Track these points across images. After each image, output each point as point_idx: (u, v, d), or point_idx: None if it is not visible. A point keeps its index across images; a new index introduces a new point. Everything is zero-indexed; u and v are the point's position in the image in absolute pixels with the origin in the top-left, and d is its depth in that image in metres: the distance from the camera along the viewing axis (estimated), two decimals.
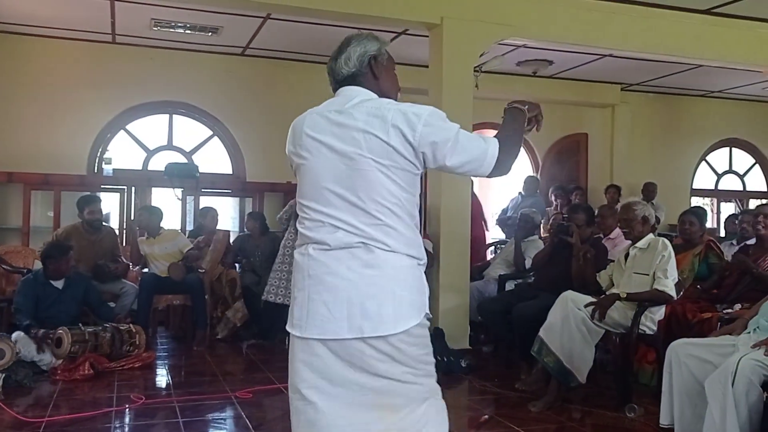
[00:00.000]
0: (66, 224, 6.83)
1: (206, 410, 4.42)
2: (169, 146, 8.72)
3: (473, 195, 6.96)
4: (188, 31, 7.62)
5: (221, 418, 4.37)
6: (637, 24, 6.82)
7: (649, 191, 9.19)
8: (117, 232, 7.45)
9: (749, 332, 3.60)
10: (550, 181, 9.73)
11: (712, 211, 11.35)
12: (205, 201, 8.30)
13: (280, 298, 6.06)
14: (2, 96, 7.83)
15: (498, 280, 6.27)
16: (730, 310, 4.68)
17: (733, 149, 11.48)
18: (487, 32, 6.36)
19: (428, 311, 2.15)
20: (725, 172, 11.54)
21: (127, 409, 4.39)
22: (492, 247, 8.36)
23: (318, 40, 7.77)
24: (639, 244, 4.55)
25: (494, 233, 9.56)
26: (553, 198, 9.17)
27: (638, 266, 4.49)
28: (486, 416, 3.89)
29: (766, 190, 11.53)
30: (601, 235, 5.71)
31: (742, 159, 11.58)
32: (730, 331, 3.76)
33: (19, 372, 4.91)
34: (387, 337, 2.03)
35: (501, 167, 2.12)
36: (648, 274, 4.39)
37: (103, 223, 6.87)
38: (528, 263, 6.21)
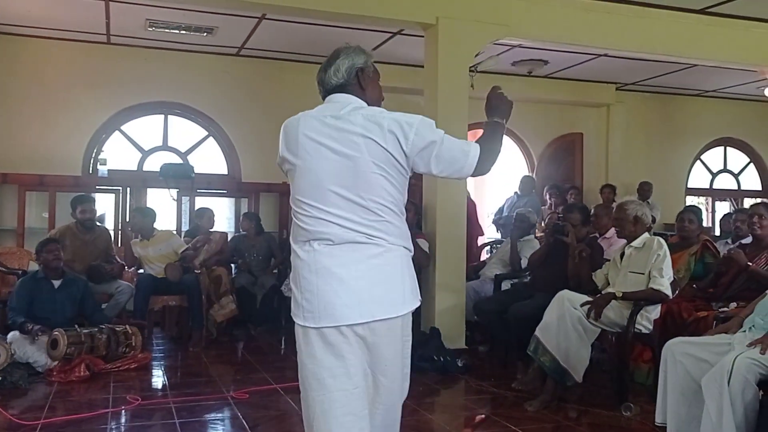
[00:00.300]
0: (61, 225, 6.82)
1: (203, 411, 4.42)
2: (164, 147, 8.70)
3: (468, 196, 6.97)
4: (183, 32, 7.61)
5: (218, 419, 4.36)
6: (632, 24, 6.83)
7: (644, 190, 9.20)
8: (112, 232, 7.44)
9: (745, 331, 3.61)
10: (546, 181, 9.74)
11: (706, 210, 11.39)
12: (200, 201, 8.29)
13: None
14: None
15: (494, 280, 6.28)
16: (725, 309, 4.68)
17: (728, 148, 11.51)
18: (482, 32, 6.36)
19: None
20: (720, 171, 11.57)
21: (124, 411, 4.37)
22: (488, 247, 8.37)
23: (313, 41, 7.77)
24: (634, 243, 4.55)
25: (489, 233, 9.57)
26: (548, 197, 9.18)
27: (634, 265, 4.50)
28: None
29: (760, 189, 11.57)
30: (597, 235, 5.73)
31: (737, 158, 11.62)
32: (726, 329, 3.77)
33: (15, 373, 4.91)
34: (395, 319, 2.27)
35: (481, 168, 2.34)
36: (643, 273, 4.40)
37: (97, 224, 6.87)
38: (524, 263, 6.22)
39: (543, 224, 7.68)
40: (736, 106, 11.00)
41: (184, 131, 8.79)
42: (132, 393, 4.70)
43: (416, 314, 6.51)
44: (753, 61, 7.51)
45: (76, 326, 5.45)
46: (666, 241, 4.66)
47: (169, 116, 8.70)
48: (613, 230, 5.39)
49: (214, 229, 7.36)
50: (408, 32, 7.20)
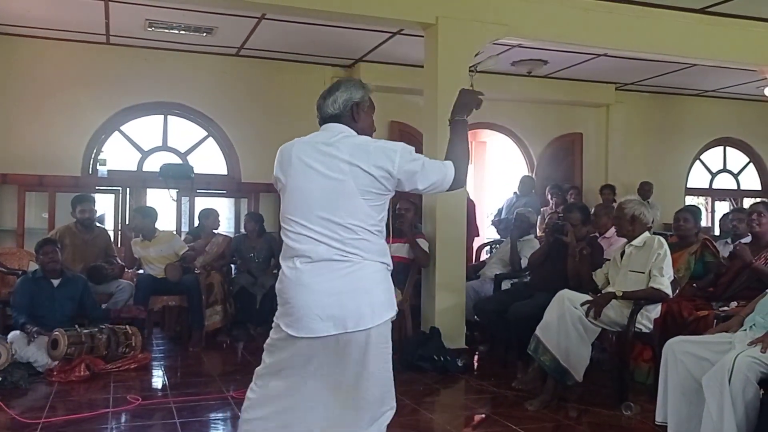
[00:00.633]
0: (60, 225, 6.83)
1: (203, 411, 4.42)
2: (164, 147, 8.69)
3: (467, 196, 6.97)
4: (182, 32, 7.60)
5: (218, 419, 4.36)
6: (631, 24, 6.82)
7: (644, 190, 9.19)
8: (111, 233, 7.44)
9: (745, 329, 3.61)
10: (545, 181, 9.73)
11: (706, 209, 11.39)
12: (200, 202, 8.30)
13: None
14: None
15: (494, 280, 6.28)
16: (726, 308, 4.69)
17: (727, 148, 11.51)
18: (481, 32, 6.36)
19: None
20: (719, 171, 11.57)
21: (124, 411, 4.37)
22: (488, 247, 8.37)
23: (313, 41, 7.76)
24: (635, 242, 4.55)
25: (489, 233, 9.57)
26: (549, 197, 9.18)
27: (634, 264, 4.50)
28: None
29: (760, 188, 11.57)
30: (597, 234, 5.73)
31: (736, 158, 11.61)
32: (727, 328, 3.77)
33: (15, 373, 4.91)
34: (365, 330, 2.43)
35: (456, 183, 2.60)
36: (644, 273, 4.40)
37: (97, 224, 6.87)
38: (524, 263, 6.22)
39: (544, 224, 7.68)
40: (736, 106, 11.00)
41: (184, 131, 8.79)
42: (132, 393, 4.70)
43: (416, 314, 6.54)
44: (753, 61, 7.51)
45: (76, 326, 5.46)
46: (666, 240, 4.66)
47: (169, 116, 8.69)
48: (613, 230, 5.39)
49: (219, 230, 7.37)
50: (408, 32, 7.19)
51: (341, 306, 2.42)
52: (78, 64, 8.08)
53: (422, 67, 6.57)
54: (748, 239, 5.30)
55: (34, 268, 5.92)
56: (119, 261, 6.77)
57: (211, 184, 8.64)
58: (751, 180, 11.69)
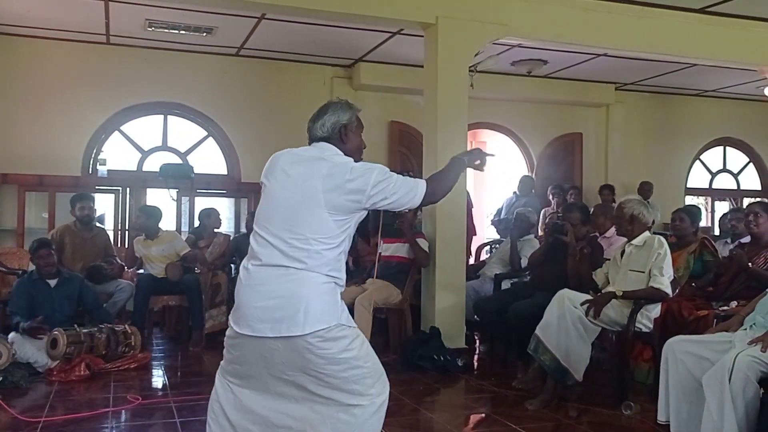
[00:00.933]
0: (60, 224, 6.83)
1: (203, 410, 4.36)
2: (164, 147, 8.70)
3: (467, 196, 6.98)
4: (182, 32, 7.61)
5: None
6: (631, 23, 6.83)
7: (644, 190, 9.18)
8: (111, 233, 7.44)
9: (745, 329, 3.61)
10: (545, 181, 9.73)
11: (706, 209, 11.39)
12: (200, 202, 8.30)
13: None
14: None
15: (494, 280, 6.28)
16: (726, 308, 4.68)
17: (727, 148, 11.51)
18: (481, 32, 6.36)
19: (343, 323, 2.58)
20: (719, 171, 11.57)
21: (124, 410, 4.37)
22: (487, 247, 8.37)
23: (313, 41, 7.76)
24: (635, 241, 4.55)
25: (489, 233, 9.57)
26: (551, 197, 9.18)
27: (634, 264, 4.50)
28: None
29: (760, 188, 11.57)
30: (597, 234, 5.72)
31: (736, 158, 11.61)
32: (727, 327, 3.76)
33: (15, 373, 4.91)
34: (299, 338, 2.49)
35: (428, 199, 2.72)
36: (644, 272, 4.39)
37: (97, 224, 6.87)
38: (524, 262, 6.22)
39: (544, 224, 7.68)
40: (736, 106, 11.00)
41: (184, 131, 8.79)
42: (132, 392, 4.70)
43: (416, 314, 6.53)
44: (753, 61, 7.51)
45: (76, 326, 5.46)
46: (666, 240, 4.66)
47: (169, 116, 8.70)
48: (613, 229, 5.39)
49: (219, 229, 7.38)
50: (408, 32, 7.20)
51: (279, 310, 2.51)
52: (78, 64, 8.08)
53: (422, 67, 6.57)
54: (748, 239, 5.30)
55: (33, 268, 5.92)
56: (118, 261, 6.76)
57: (211, 184, 8.64)
58: (751, 180, 11.69)
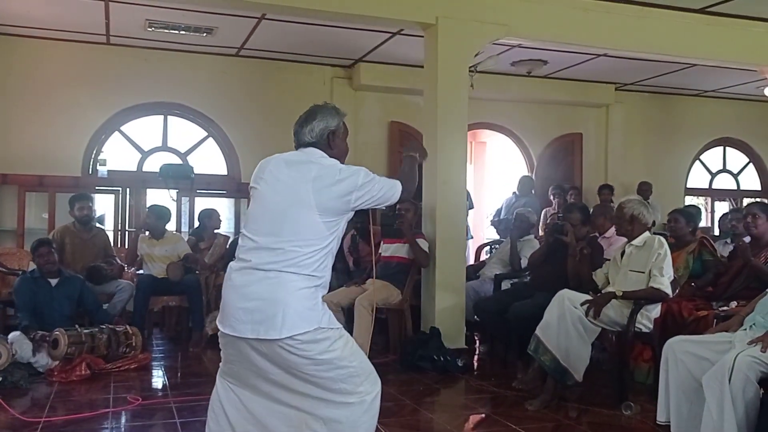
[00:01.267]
0: (59, 225, 6.83)
1: (203, 411, 4.35)
2: (164, 147, 8.69)
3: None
4: (183, 32, 7.61)
5: None
6: (631, 23, 6.83)
7: (643, 190, 9.17)
8: (111, 233, 7.44)
9: (745, 329, 3.61)
10: (545, 181, 9.73)
11: (706, 210, 11.39)
12: (200, 202, 8.30)
13: None
14: None
15: (494, 280, 6.28)
16: (725, 308, 4.69)
17: (727, 148, 11.51)
18: (481, 32, 6.36)
19: (324, 326, 2.58)
20: (719, 171, 11.56)
21: (124, 410, 4.37)
22: (487, 247, 8.38)
23: (313, 41, 7.76)
24: (635, 241, 4.55)
25: (489, 233, 9.57)
26: (552, 198, 9.18)
27: (634, 264, 4.50)
28: None
29: (759, 189, 11.57)
30: (597, 234, 5.73)
31: (736, 158, 11.61)
32: (727, 327, 3.77)
33: (16, 373, 4.92)
34: (277, 341, 2.51)
35: (404, 196, 2.85)
36: (644, 272, 4.40)
37: (97, 224, 6.88)
38: (524, 263, 6.22)
39: (545, 225, 7.68)
40: (736, 106, 11.00)
41: (184, 132, 8.79)
42: (133, 393, 4.70)
43: (416, 314, 6.54)
44: (753, 61, 7.51)
45: (77, 326, 5.46)
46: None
47: (169, 117, 8.69)
48: (613, 229, 5.39)
49: (219, 230, 7.39)
50: (408, 32, 7.19)
51: (258, 312, 2.53)
52: (78, 64, 8.08)
53: (422, 67, 6.57)
54: (748, 239, 5.30)
55: (33, 267, 5.93)
56: (118, 261, 6.77)
57: (211, 185, 8.64)
58: (750, 180, 11.69)
